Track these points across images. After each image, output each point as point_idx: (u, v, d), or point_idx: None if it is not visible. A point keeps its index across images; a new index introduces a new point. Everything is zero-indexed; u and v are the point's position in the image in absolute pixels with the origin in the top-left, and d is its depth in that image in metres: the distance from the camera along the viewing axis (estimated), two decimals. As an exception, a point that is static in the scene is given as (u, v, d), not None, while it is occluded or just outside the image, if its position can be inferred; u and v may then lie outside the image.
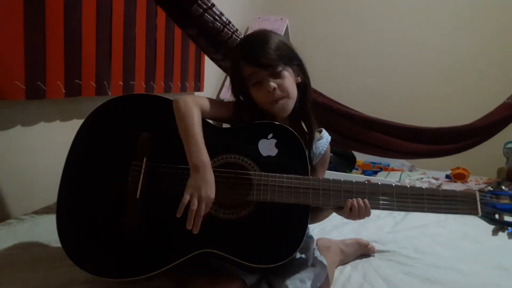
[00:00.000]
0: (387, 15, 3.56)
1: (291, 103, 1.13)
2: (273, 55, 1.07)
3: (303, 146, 1.08)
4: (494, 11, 3.27)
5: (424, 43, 3.45)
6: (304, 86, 1.17)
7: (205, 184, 0.97)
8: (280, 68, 1.09)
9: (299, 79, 1.16)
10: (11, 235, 1.31)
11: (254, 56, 1.09)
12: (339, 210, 1.08)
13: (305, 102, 1.17)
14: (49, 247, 1.25)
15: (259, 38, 1.12)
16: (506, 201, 1.06)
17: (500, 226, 1.05)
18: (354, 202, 1.04)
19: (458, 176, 2.85)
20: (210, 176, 0.99)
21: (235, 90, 1.18)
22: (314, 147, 1.18)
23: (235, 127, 1.18)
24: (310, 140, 1.16)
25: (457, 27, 3.37)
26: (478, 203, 1.06)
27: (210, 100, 1.13)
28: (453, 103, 3.34)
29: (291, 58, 1.13)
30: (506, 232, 1.04)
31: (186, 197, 0.96)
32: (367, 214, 1.05)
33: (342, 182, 1.06)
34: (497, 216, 1.06)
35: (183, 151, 1.02)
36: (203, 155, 0.99)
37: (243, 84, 1.13)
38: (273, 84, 1.08)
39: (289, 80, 1.11)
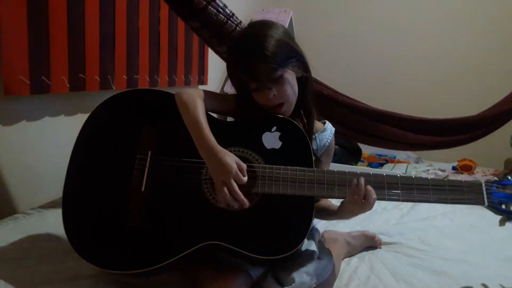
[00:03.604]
0: (393, 5, 3.52)
1: (291, 106, 1.12)
2: (271, 61, 1.01)
3: (307, 139, 1.07)
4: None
5: (432, 34, 3.41)
6: (305, 79, 1.15)
7: (224, 164, 0.97)
8: (279, 73, 1.05)
9: (300, 74, 1.13)
10: (18, 229, 1.32)
11: (250, 68, 1.04)
12: (344, 210, 1.08)
13: (305, 94, 1.16)
14: (55, 241, 1.26)
15: (254, 45, 1.03)
16: None
17: (507, 216, 1.04)
18: (355, 181, 1.02)
19: (464, 168, 2.83)
20: (222, 153, 0.98)
21: (235, 89, 1.17)
22: (318, 139, 1.18)
23: (239, 121, 1.17)
24: (309, 131, 1.15)
25: (465, 18, 3.32)
26: (484, 193, 1.04)
27: (212, 93, 1.13)
28: (460, 94, 3.31)
29: (290, 57, 1.08)
30: None
31: (219, 192, 0.98)
32: (373, 198, 1.01)
33: (347, 174, 1.05)
34: (503, 206, 1.04)
35: (186, 144, 1.02)
36: (210, 139, 1.00)
37: (242, 85, 1.11)
38: (272, 92, 1.06)
39: (289, 83, 1.08)
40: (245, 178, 0.99)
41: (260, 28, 1.08)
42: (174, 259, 0.99)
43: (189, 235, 1.01)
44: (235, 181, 0.97)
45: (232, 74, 1.14)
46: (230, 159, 0.98)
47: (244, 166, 1.00)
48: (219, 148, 0.99)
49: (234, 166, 0.98)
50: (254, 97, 1.10)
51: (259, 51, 1.02)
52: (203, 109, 1.04)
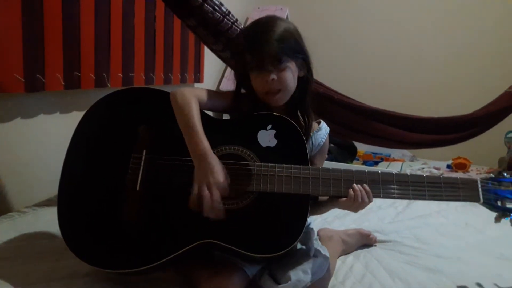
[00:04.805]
0: (389, 4, 3.53)
1: (286, 96, 1.12)
2: (276, 46, 1.04)
3: (302, 137, 1.07)
4: (495, 1, 3.24)
5: (426, 33, 3.42)
6: (306, 80, 1.15)
7: (211, 171, 0.97)
8: (282, 58, 1.06)
9: (302, 73, 1.13)
10: (12, 227, 1.31)
11: (257, 45, 1.06)
12: (338, 203, 1.07)
13: (304, 96, 1.15)
14: (51, 239, 1.25)
15: (264, 27, 1.08)
16: (508, 187, 1.05)
17: (503, 212, 1.04)
18: (356, 187, 1.03)
19: (459, 166, 2.85)
20: (214, 161, 0.99)
21: (236, 75, 1.17)
22: (313, 138, 1.18)
23: (234, 119, 1.17)
24: (306, 132, 1.15)
25: (459, 18, 3.33)
26: (480, 189, 1.05)
27: (208, 91, 1.12)
28: (455, 92, 3.32)
29: (296, 51, 1.09)
30: (508, 218, 1.04)
31: (195, 188, 0.96)
32: (370, 199, 1.03)
33: (342, 171, 1.05)
34: (499, 202, 1.05)
35: (182, 143, 1.01)
36: (204, 144, 0.99)
37: (244, 69, 1.11)
38: (272, 75, 1.06)
39: (289, 72, 1.08)
40: (216, 210, 0.97)
41: (273, 17, 1.12)
42: (169, 258, 0.99)
43: (185, 234, 1.00)
44: (219, 191, 0.96)
45: (237, 57, 1.16)
46: (221, 169, 0.98)
47: (228, 182, 0.99)
48: (212, 155, 0.99)
49: (224, 177, 0.98)
50: (252, 82, 1.10)
51: (267, 34, 1.05)
52: (198, 111, 1.04)
